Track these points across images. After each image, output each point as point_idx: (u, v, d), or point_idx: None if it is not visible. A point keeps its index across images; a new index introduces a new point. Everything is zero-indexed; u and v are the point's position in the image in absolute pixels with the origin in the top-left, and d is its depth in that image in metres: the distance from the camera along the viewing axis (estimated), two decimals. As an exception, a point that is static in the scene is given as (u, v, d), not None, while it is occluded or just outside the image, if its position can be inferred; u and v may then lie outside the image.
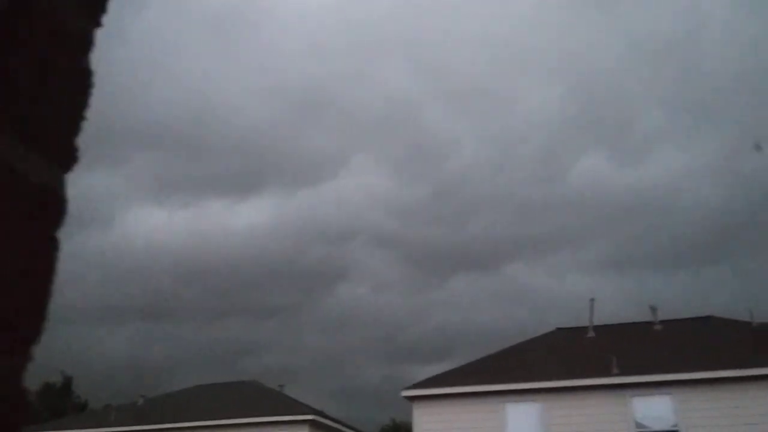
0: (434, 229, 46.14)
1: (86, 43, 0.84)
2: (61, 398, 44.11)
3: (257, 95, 44.63)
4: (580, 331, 23.31)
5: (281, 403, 26.06)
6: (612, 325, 23.47)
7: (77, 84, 0.83)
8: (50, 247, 0.77)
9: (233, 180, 46.29)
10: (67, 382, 45.84)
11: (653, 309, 23.22)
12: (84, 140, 0.80)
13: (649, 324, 22.82)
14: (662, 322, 22.73)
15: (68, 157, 0.81)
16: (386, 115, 45.81)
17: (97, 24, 0.86)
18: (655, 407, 18.84)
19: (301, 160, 46.66)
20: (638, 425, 18.83)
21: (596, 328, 23.15)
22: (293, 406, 25.84)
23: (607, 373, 19.46)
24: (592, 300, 23.49)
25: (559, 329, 24.08)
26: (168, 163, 46.24)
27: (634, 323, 23.36)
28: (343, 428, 27.28)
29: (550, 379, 19.77)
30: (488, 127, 46.67)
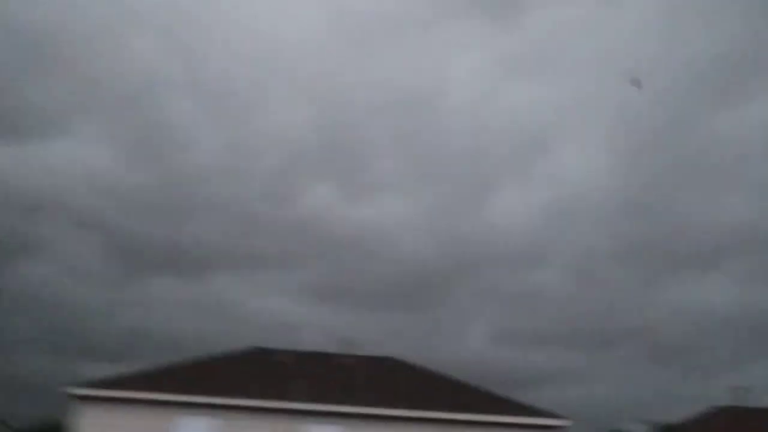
0: (148, 223, 43.40)
1: None
2: None
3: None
4: (272, 353, 23.22)
5: None
6: (303, 351, 23.74)
7: None
8: None
9: None
10: None
11: (344, 342, 24.03)
12: None
13: (337, 356, 23.47)
14: (350, 356, 23.52)
15: None
16: (127, 90, 42.34)
17: None
18: (326, 437, 19.20)
19: (12, 110, 40.91)
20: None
21: (287, 352, 23.27)
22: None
23: (285, 398, 19.48)
24: (289, 325, 23.64)
25: (250, 348, 23.73)
26: None
27: (324, 353, 23.85)
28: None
29: (226, 395, 19.26)
30: (232, 132, 45.47)
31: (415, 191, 47.13)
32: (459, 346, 47.68)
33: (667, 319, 51.96)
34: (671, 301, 49.22)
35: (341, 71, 44.51)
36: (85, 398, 18.89)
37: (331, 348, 24.15)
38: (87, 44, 40.88)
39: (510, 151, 45.85)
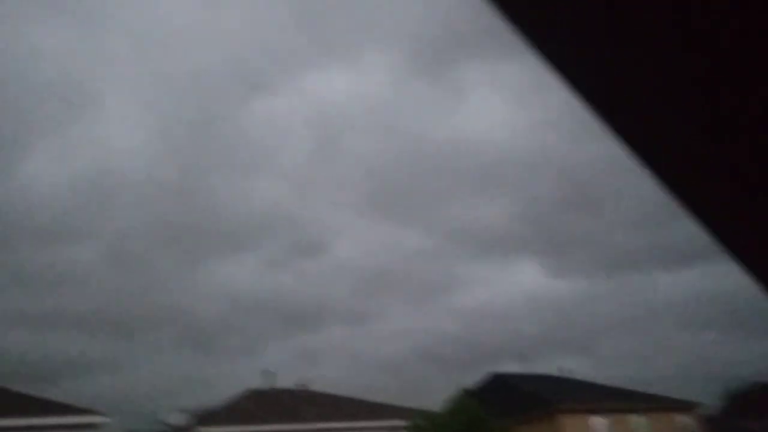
0: None
1: None
2: None
3: None
4: None
5: None
6: None
7: None
8: None
9: None
10: None
11: None
12: None
13: None
14: None
15: None
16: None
17: None
18: None
19: None
20: None
21: None
22: None
23: None
24: None
25: None
26: None
27: None
28: None
29: None
30: None
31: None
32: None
33: (200, 303, 53.60)
34: (205, 284, 50.87)
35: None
36: None
37: None
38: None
39: (54, 105, 41.89)
